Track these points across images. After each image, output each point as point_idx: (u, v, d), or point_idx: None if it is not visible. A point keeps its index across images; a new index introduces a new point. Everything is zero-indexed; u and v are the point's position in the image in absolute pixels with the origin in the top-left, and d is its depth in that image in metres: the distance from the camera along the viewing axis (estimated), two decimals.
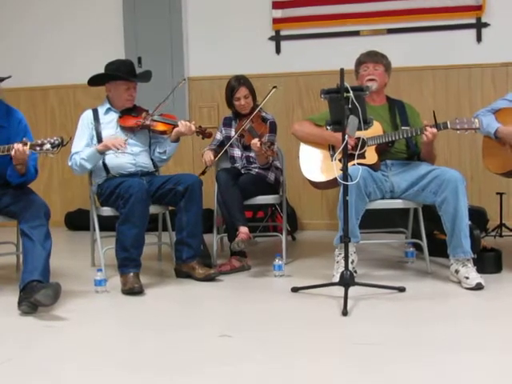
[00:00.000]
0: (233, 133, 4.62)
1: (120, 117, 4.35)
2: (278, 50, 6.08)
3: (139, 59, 6.12)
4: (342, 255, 3.72)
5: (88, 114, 4.38)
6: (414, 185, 3.99)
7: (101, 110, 4.39)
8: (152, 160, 4.44)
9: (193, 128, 4.30)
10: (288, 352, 2.82)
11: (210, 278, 4.09)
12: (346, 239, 3.55)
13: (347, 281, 3.48)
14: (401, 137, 4.04)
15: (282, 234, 4.70)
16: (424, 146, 4.08)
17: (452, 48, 5.74)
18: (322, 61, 5.83)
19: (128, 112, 4.37)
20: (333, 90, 3.51)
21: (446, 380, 2.49)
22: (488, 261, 4.11)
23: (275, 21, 6.03)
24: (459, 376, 2.51)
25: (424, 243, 4.16)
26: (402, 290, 3.67)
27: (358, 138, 3.98)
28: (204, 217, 4.28)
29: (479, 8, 5.65)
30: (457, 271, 3.82)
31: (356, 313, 3.33)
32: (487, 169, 4.27)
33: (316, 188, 4.35)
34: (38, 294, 3.33)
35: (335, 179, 3.65)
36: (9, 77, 3.86)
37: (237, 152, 4.67)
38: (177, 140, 4.36)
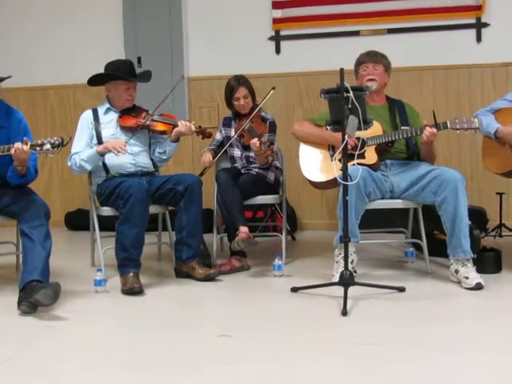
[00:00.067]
0: (232, 133, 4.62)
1: (120, 117, 4.35)
2: (277, 50, 6.08)
3: (139, 59, 6.12)
4: (342, 255, 3.72)
5: (88, 114, 4.38)
6: (413, 185, 3.99)
7: (100, 110, 4.39)
8: (152, 160, 4.44)
9: (193, 128, 4.30)
10: (288, 352, 2.83)
11: (209, 278, 4.09)
12: (345, 239, 3.55)
13: (347, 281, 3.48)
14: (400, 137, 4.04)
15: (281, 233, 4.70)
16: (424, 146, 4.08)
17: (452, 48, 5.74)
18: (322, 61, 5.83)
19: (128, 112, 4.37)
20: (333, 89, 3.51)
21: (446, 380, 2.49)
22: (488, 261, 4.11)
23: (275, 21, 6.03)
24: (459, 376, 2.52)
25: (424, 243, 4.16)
26: (401, 289, 3.67)
27: (358, 138, 3.98)
28: (204, 217, 4.29)
29: (479, 8, 5.65)
30: (456, 271, 3.82)
31: (356, 313, 3.33)
32: (487, 169, 4.28)
33: (316, 188, 4.35)
34: (37, 293, 3.33)
35: (335, 179, 3.65)
36: (9, 77, 3.86)
37: (236, 152, 4.67)
38: (177, 140, 4.36)
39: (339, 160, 3.61)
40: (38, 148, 3.55)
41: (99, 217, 4.35)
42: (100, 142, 4.26)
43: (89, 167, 4.25)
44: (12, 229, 4.25)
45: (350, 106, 3.43)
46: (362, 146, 4.02)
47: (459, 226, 3.80)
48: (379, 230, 4.84)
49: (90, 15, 6.41)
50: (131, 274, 3.89)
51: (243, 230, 4.20)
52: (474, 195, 5.55)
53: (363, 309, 3.40)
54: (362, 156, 3.99)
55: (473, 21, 5.70)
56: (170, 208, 4.42)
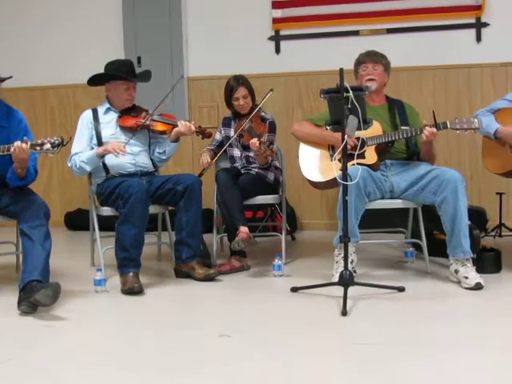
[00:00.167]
0: (232, 133, 4.62)
1: (119, 116, 4.35)
2: (277, 50, 6.08)
3: (139, 59, 6.12)
4: (342, 255, 3.72)
5: (87, 114, 4.38)
6: (413, 185, 3.99)
7: (100, 110, 4.39)
8: (152, 160, 4.44)
9: (192, 128, 4.30)
10: (287, 352, 2.83)
11: (209, 278, 4.09)
12: (345, 239, 3.55)
13: (347, 281, 3.48)
14: (400, 137, 4.04)
15: (281, 233, 4.70)
16: (423, 146, 4.09)
17: (451, 48, 5.74)
18: (322, 61, 5.83)
19: (127, 112, 4.37)
20: (332, 89, 3.51)
21: (446, 380, 2.49)
22: (487, 261, 4.12)
23: (275, 21, 6.03)
24: (459, 376, 2.52)
25: (423, 243, 4.16)
26: (401, 289, 3.67)
27: (358, 138, 3.98)
28: (204, 217, 4.29)
29: (479, 8, 5.65)
30: (456, 271, 3.82)
31: (355, 313, 3.33)
32: (487, 169, 4.28)
33: (315, 188, 4.35)
34: (37, 293, 3.33)
35: (335, 179, 3.65)
36: (10, 77, 3.86)
37: (236, 152, 4.67)
38: (176, 140, 4.36)
39: (339, 160, 3.61)
40: (38, 148, 3.55)
41: (99, 217, 4.35)
42: (100, 141, 4.26)
43: (88, 169, 4.25)
44: (12, 229, 4.25)
45: (349, 105, 3.43)
46: (362, 146, 4.02)
47: (459, 226, 3.80)
48: (379, 230, 4.84)
49: (89, 15, 6.41)
50: (131, 273, 3.89)
51: (243, 229, 4.21)
52: (474, 195, 5.55)
53: (363, 309, 3.41)
54: (361, 156, 3.99)
55: (472, 21, 5.70)
56: (169, 208, 4.42)
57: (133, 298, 3.79)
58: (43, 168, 6.03)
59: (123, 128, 4.32)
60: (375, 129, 3.99)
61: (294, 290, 3.74)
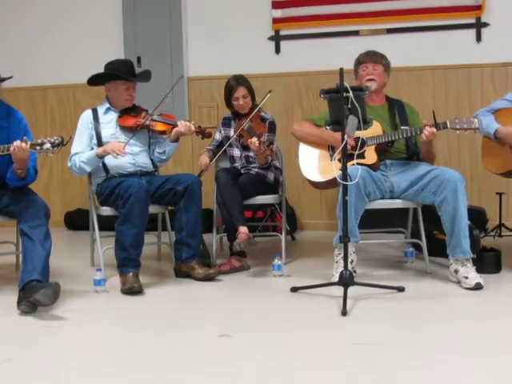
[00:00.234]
0: (232, 133, 4.62)
1: (119, 116, 4.35)
2: (277, 50, 6.08)
3: (138, 59, 6.12)
4: (342, 255, 3.72)
5: (87, 114, 4.38)
6: (413, 185, 3.99)
7: (100, 110, 4.39)
8: (151, 160, 4.44)
9: (192, 128, 4.30)
10: (287, 352, 2.83)
11: (209, 278, 4.09)
12: (345, 239, 3.55)
13: (346, 281, 3.48)
14: (400, 136, 4.04)
15: (281, 233, 4.70)
16: (423, 146, 4.09)
17: (451, 48, 5.74)
18: (322, 61, 5.83)
19: (127, 112, 4.37)
20: (332, 89, 3.51)
21: (446, 380, 2.49)
22: (487, 261, 4.11)
23: (275, 21, 6.03)
24: (458, 376, 2.52)
25: (423, 243, 4.16)
26: (401, 289, 3.67)
27: (358, 138, 3.98)
28: (203, 217, 4.28)
29: (479, 8, 5.65)
30: (456, 271, 3.82)
31: (355, 313, 3.33)
32: (487, 169, 4.27)
33: (315, 188, 4.35)
34: (37, 293, 3.33)
35: (335, 179, 3.65)
36: (10, 77, 3.86)
37: (236, 152, 4.67)
38: (176, 140, 4.36)
39: (339, 160, 3.61)
40: (38, 147, 3.55)
41: (99, 216, 4.35)
42: (100, 141, 4.26)
43: (88, 169, 4.25)
44: (12, 229, 4.25)
45: (349, 105, 3.43)
46: (362, 146, 4.02)
47: (459, 226, 3.80)
48: (379, 230, 4.84)
49: (89, 15, 6.41)
50: (131, 273, 3.89)
51: (243, 230, 4.20)
52: (474, 195, 5.55)
53: (363, 309, 3.41)
54: (361, 156, 4.00)
55: (472, 21, 5.70)
56: (169, 208, 4.42)
57: (132, 297, 3.79)
58: (43, 168, 6.03)
59: (123, 128, 4.32)
60: (375, 129, 3.99)
61: (294, 289, 3.74)
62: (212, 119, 6.10)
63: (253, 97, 4.60)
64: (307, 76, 5.99)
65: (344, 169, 3.49)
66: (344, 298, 3.36)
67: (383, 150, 4.10)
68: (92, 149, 4.26)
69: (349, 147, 3.80)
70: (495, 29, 5.65)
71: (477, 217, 4.96)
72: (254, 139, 4.24)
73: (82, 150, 4.25)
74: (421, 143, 4.09)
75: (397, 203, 4.10)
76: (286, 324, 3.23)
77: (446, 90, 5.80)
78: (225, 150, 4.63)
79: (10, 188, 3.80)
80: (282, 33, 6.06)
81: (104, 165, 4.25)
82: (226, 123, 4.73)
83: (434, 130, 3.91)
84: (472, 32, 5.71)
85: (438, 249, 4.21)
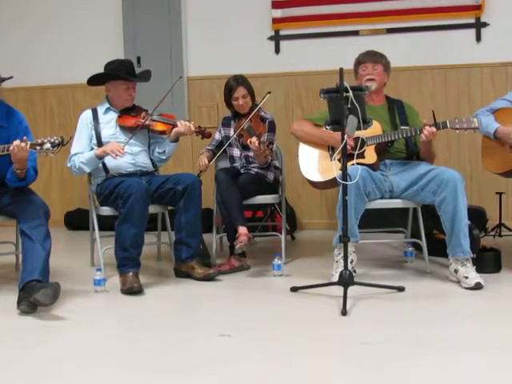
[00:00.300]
0: (232, 132, 4.62)
1: (119, 116, 4.35)
2: (277, 50, 6.08)
3: (138, 59, 6.12)
4: (342, 255, 3.72)
5: (87, 114, 4.37)
6: (413, 184, 3.99)
7: (100, 110, 4.38)
8: (151, 160, 4.44)
9: (192, 128, 4.30)
10: (287, 351, 2.83)
11: (209, 278, 4.09)
12: (345, 239, 3.55)
13: (346, 280, 3.48)
14: (400, 136, 4.04)
15: (281, 233, 4.69)
16: (423, 145, 4.09)
17: (451, 48, 5.74)
18: (322, 60, 5.84)
19: (127, 112, 4.37)
20: (332, 89, 3.51)
21: (446, 379, 2.49)
22: (487, 260, 4.11)
23: (275, 20, 6.03)
24: (458, 375, 2.52)
25: (423, 243, 4.16)
26: (401, 289, 3.67)
27: (357, 138, 3.98)
28: (203, 216, 4.28)
29: (478, 8, 5.65)
30: (456, 271, 3.82)
31: (355, 312, 3.33)
32: (486, 168, 4.27)
33: (315, 188, 4.35)
34: (37, 293, 3.33)
35: (334, 179, 3.66)
36: (10, 77, 3.86)
37: (236, 152, 4.67)
38: (176, 140, 4.36)
39: (338, 160, 3.61)
40: (38, 147, 3.55)
41: (99, 216, 4.35)
42: (99, 141, 4.26)
43: (88, 170, 4.25)
44: (12, 228, 4.25)
45: (349, 105, 3.43)
46: (362, 146, 4.02)
47: (458, 226, 3.80)
48: (379, 230, 4.84)
49: (89, 15, 6.41)
50: (131, 273, 3.89)
51: (243, 231, 4.19)
52: (474, 195, 5.56)
53: (363, 308, 3.41)
54: (361, 156, 4.00)
55: (472, 20, 5.70)
56: (169, 208, 4.42)
57: (132, 297, 3.79)
58: (43, 168, 6.02)
59: (123, 128, 4.32)
60: (375, 129, 3.99)
61: (294, 289, 3.74)
62: (212, 119, 6.10)
63: (252, 97, 4.60)
64: (307, 76, 6.00)
65: (344, 169, 3.49)
66: (344, 297, 3.36)
67: (383, 150, 4.10)
68: (92, 149, 4.26)
69: (348, 147, 3.80)
70: (495, 29, 5.66)
71: (476, 216, 4.96)
72: (254, 139, 4.24)
73: (81, 151, 4.25)
74: (420, 143, 4.09)
75: (396, 203, 4.10)
76: (286, 324, 3.23)
77: (446, 90, 5.81)
78: (225, 150, 4.63)
79: (9, 188, 3.80)
80: (282, 33, 6.06)
81: (104, 165, 4.25)
82: (226, 123, 4.73)
83: (434, 129, 3.91)
84: (472, 32, 5.71)
85: (438, 248, 4.21)
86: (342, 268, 3.55)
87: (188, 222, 4.13)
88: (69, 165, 4.29)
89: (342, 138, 3.46)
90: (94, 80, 4.38)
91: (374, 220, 4.42)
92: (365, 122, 3.51)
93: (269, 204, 5.32)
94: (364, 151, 4.03)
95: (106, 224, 4.38)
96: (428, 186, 3.92)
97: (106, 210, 4.24)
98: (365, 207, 3.95)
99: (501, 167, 4.14)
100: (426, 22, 5.78)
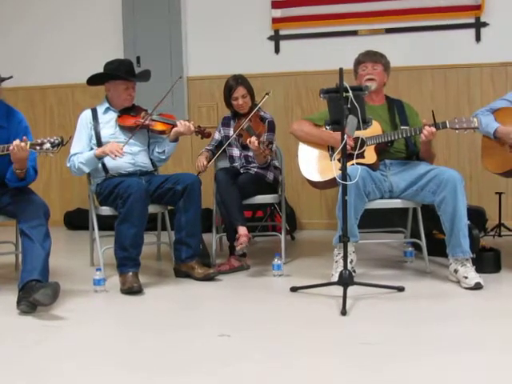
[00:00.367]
0: (231, 132, 4.62)
1: (119, 116, 4.35)
2: (277, 50, 6.09)
3: (138, 59, 6.12)
4: (341, 255, 3.72)
5: (87, 114, 4.37)
6: (412, 184, 3.99)
7: (100, 110, 4.38)
8: (151, 159, 4.44)
9: (192, 128, 4.30)
10: (287, 351, 2.83)
11: (209, 278, 4.09)
12: (344, 239, 3.55)
13: (346, 280, 3.48)
14: (400, 136, 4.04)
15: (280, 233, 4.69)
16: (423, 145, 4.09)
17: (451, 48, 5.74)
18: (321, 60, 5.84)
19: (127, 111, 4.37)
20: (332, 89, 3.51)
21: (446, 379, 2.49)
22: (487, 260, 4.11)
23: (274, 20, 6.03)
24: (458, 375, 2.52)
25: (423, 243, 4.16)
26: (401, 289, 3.67)
27: (357, 138, 3.98)
28: (203, 216, 4.28)
29: (478, 7, 5.65)
30: (456, 271, 3.82)
31: (355, 312, 3.33)
32: (486, 168, 4.27)
33: (315, 188, 4.35)
34: (37, 293, 3.33)
35: (334, 179, 3.66)
36: (10, 77, 3.86)
37: (235, 151, 4.67)
38: (176, 140, 4.36)
39: (338, 160, 3.61)
40: (37, 147, 3.55)
41: (98, 216, 4.35)
42: (99, 141, 4.26)
43: (87, 170, 4.25)
44: (11, 228, 4.25)
45: (349, 105, 3.43)
46: (361, 146, 4.02)
47: (458, 226, 3.80)
48: (378, 230, 4.85)
49: (89, 15, 6.42)
50: (130, 273, 3.89)
51: (243, 232, 4.19)
52: (473, 195, 5.56)
53: (362, 308, 3.41)
54: (361, 156, 4.00)
55: (472, 20, 5.71)
56: (169, 208, 4.42)
57: (132, 297, 3.79)
58: (43, 168, 6.02)
59: (122, 128, 4.32)
60: (375, 128, 3.99)
61: (294, 289, 3.74)
62: (211, 119, 6.10)
63: (252, 96, 4.60)
64: (307, 76, 6.00)
65: (343, 168, 3.49)
66: (343, 297, 3.36)
67: (383, 150, 4.10)
68: (91, 149, 4.26)
69: (348, 147, 3.80)
70: (495, 29, 5.66)
71: (476, 216, 4.97)
72: (253, 138, 4.24)
73: (81, 151, 4.25)
74: (420, 143, 4.09)
75: (396, 203, 4.10)
76: (286, 323, 3.23)
77: (446, 90, 5.81)
78: (224, 150, 4.63)
79: (9, 188, 3.80)
80: (282, 32, 6.07)
81: (103, 165, 4.25)
82: (226, 123, 4.73)
83: (434, 129, 3.91)
84: (471, 32, 5.72)
85: (438, 248, 4.21)
86: (342, 268, 3.55)
87: (188, 221, 4.13)
88: (68, 165, 4.29)
89: (342, 138, 3.46)
90: (94, 80, 4.38)
91: (374, 220, 4.43)
92: (364, 122, 3.51)
93: (268, 204, 5.32)
94: (364, 151, 4.03)
95: (105, 224, 4.38)
96: (428, 186, 3.92)
97: (106, 210, 4.24)
98: (364, 207, 3.95)
99: (500, 167, 4.14)
100: (425, 22, 5.78)
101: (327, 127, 3.65)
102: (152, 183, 4.21)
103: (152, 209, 4.19)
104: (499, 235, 5.24)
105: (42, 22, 6.51)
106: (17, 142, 3.55)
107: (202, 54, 6.18)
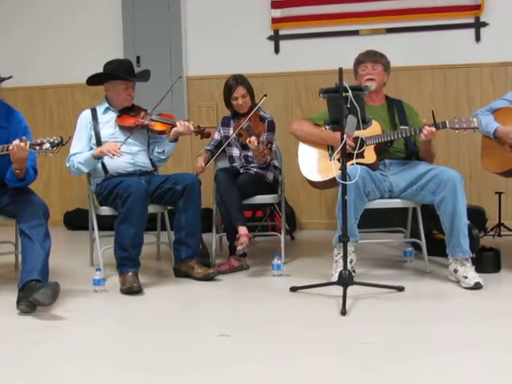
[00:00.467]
0: (231, 132, 4.62)
1: (118, 116, 4.35)
2: (276, 50, 6.08)
3: (138, 58, 6.12)
4: (341, 255, 3.71)
5: (86, 114, 4.37)
6: (412, 184, 3.99)
7: (99, 110, 4.38)
8: (150, 159, 4.44)
9: (191, 128, 4.30)
10: (287, 351, 2.83)
11: (208, 278, 4.09)
12: (344, 238, 3.55)
13: (346, 280, 3.48)
14: (399, 136, 4.04)
15: (280, 233, 4.69)
16: (422, 145, 4.09)
17: (451, 47, 5.74)
18: (321, 60, 5.84)
19: (126, 111, 4.37)
20: (332, 89, 3.51)
21: (445, 379, 2.49)
22: (487, 260, 4.12)
23: (274, 20, 6.03)
24: (458, 375, 2.52)
25: (423, 242, 4.16)
26: (400, 289, 3.67)
27: (357, 138, 3.98)
28: (203, 216, 4.28)
29: (478, 7, 5.65)
30: (455, 270, 3.82)
31: (355, 312, 3.33)
32: (486, 168, 4.27)
33: (315, 187, 4.35)
34: (36, 293, 3.33)
35: (334, 179, 3.66)
36: (10, 77, 3.86)
37: (235, 151, 4.67)
38: (175, 140, 4.36)
39: (338, 159, 3.61)
40: (37, 147, 3.55)
41: (98, 216, 4.35)
42: (99, 141, 4.26)
43: (86, 170, 4.25)
44: (11, 228, 4.24)
45: (348, 105, 3.43)
46: (361, 146, 4.02)
47: (458, 226, 3.80)
48: (378, 230, 4.85)
49: (89, 15, 6.41)
50: (130, 273, 3.89)
51: (243, 232, 4.19)
52: (473, 195, 5.55)
53: (362, 308, 3.41)
54: (360, 155, 3.99)
55: (472, 20, 5.70)
56: (168, 207, 4.42)
57: (132, 297, 3.79)
58: (42, 168, 6.02)
59: (122, 127, 4.32)
60: (374, 128, 3.99)
61: (294, 289, 3.74)
62: (211, 119, 6.10)
63: (252, 96, 4.60)
64: (306, 75, 6.00)
65: (343, 168, 3.49)
66: (343, 297, 3.36)
67: (382, 150, 4.10)
68: (91, 149, 4.26)
69: (348, 147, 3.80)
70: (494, 28, 5.66)
71: (476, 216, 4.97)
72: (253, 138, 4.24)
73: (80, 151, 4.25)
74: (420, 143, 4.09)
75: (396, 203, 4.10)
76: (286, 324, 3.23)
77: (446, 90, 5.81)
78: (224, 150, 4.63)
79: (9, 188, 3.80)
80: (282, 32, 6.06)
81: (103, 165, 4.25)
82: (226, 123, 4.73)
83: (434, 129, 3.91)
84: (471, 32, 5.72)
85: (438, 248, 4.22)
86: (342, 268, 3.55)
87: (187, 221, 4.13)
88: (67, 165, 4.29)
89: (342, 138, 3.46)
90: (94, 80, 4.38)
91: (374, 220, 4.42)
92: (364, 122, 3.51)
93: (268, 204, 5.32)
94: (363, 151, 4.03)
95: (105, 224, 4.39)
96: (427, 186, 3.92)
97: (106, 210, 4.24)
98: (364, 207, 3.95)
99: (500, 167, 4.14)
100: (425, 22, 5.78)
101: (327, 127, 3.65)
102: (152, 183, 4.21)
103: (152, 209, 4.19)
104: (499, 235, 5.24)
105: (42, 22, 6.51)
106: (16, 141, 3.54)
107: (202, 54, 6.18)
